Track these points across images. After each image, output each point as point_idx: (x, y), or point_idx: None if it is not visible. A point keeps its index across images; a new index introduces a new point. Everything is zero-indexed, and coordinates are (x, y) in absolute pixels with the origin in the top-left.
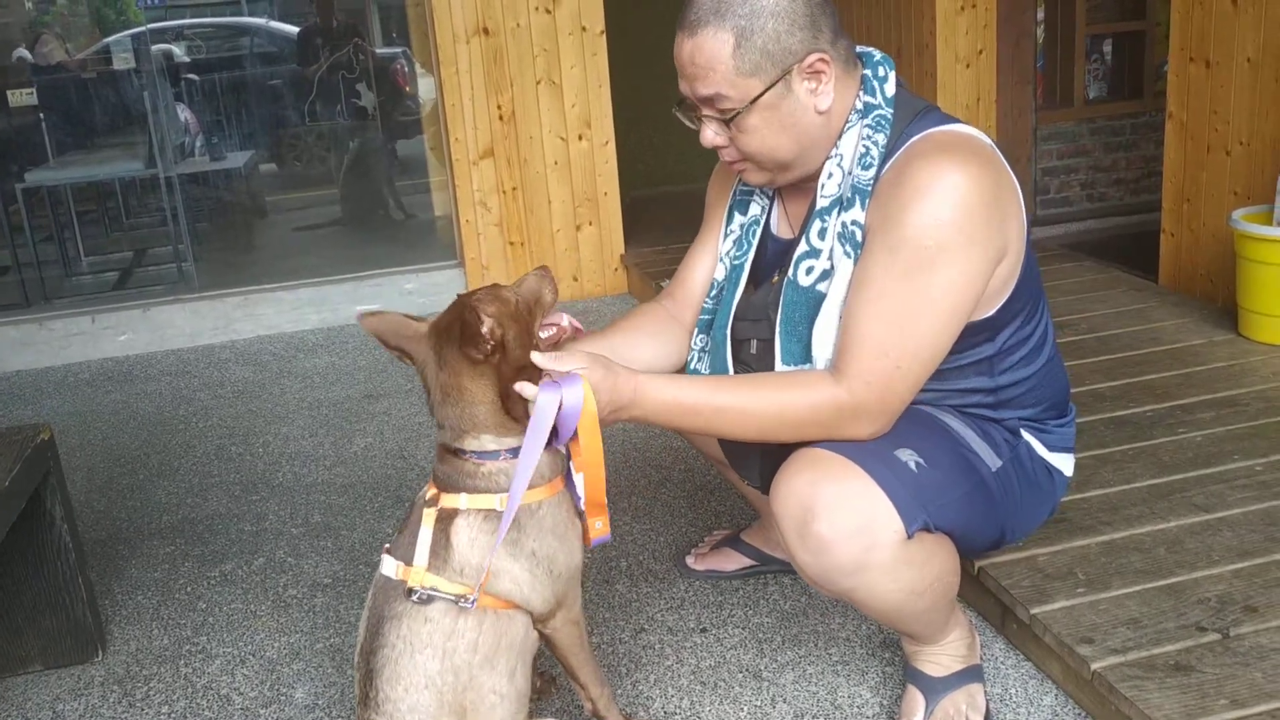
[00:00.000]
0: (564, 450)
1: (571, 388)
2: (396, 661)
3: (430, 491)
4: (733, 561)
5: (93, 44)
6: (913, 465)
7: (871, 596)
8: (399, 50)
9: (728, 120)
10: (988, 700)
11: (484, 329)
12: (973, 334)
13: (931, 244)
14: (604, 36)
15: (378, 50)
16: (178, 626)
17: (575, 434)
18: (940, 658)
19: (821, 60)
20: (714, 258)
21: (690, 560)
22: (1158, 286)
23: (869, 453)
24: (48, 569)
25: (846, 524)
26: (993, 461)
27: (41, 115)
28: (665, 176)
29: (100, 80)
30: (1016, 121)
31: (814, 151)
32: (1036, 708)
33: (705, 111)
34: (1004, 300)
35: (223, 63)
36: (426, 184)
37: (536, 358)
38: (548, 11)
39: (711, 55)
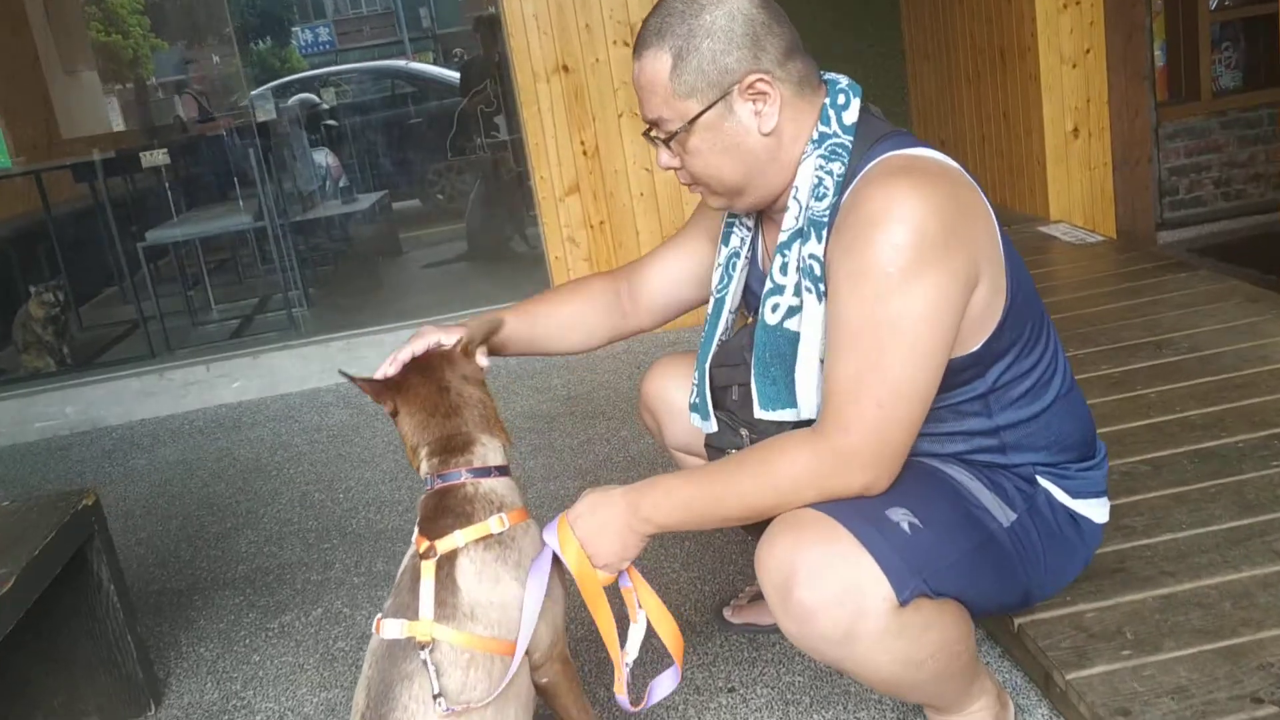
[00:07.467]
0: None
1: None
2: None
3: (421, 546)
4: (769, 615)
5: (230, 100)
6: (905, 526)
7: (864, 669)
8: None
9: (668, 141)
10: None
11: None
12: (957, 372)
13: (893, 270)
14: None
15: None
16: (230, 680)
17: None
18: None
19: (762, 80)
20: (677, 266)
21: (728, 613)
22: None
23: (857, 513)
24: (99, 628)
25: (830, 590)
26: (1004, 516)
27: (168, 174)
28: None
29: (231, 135)
30: (1132, 121)
31: (765, 176)
32: None
33: (655, 133)
34: (988, 335)
35: (361, 107)
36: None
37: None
38: (626, 44)
39: (651, 77)
